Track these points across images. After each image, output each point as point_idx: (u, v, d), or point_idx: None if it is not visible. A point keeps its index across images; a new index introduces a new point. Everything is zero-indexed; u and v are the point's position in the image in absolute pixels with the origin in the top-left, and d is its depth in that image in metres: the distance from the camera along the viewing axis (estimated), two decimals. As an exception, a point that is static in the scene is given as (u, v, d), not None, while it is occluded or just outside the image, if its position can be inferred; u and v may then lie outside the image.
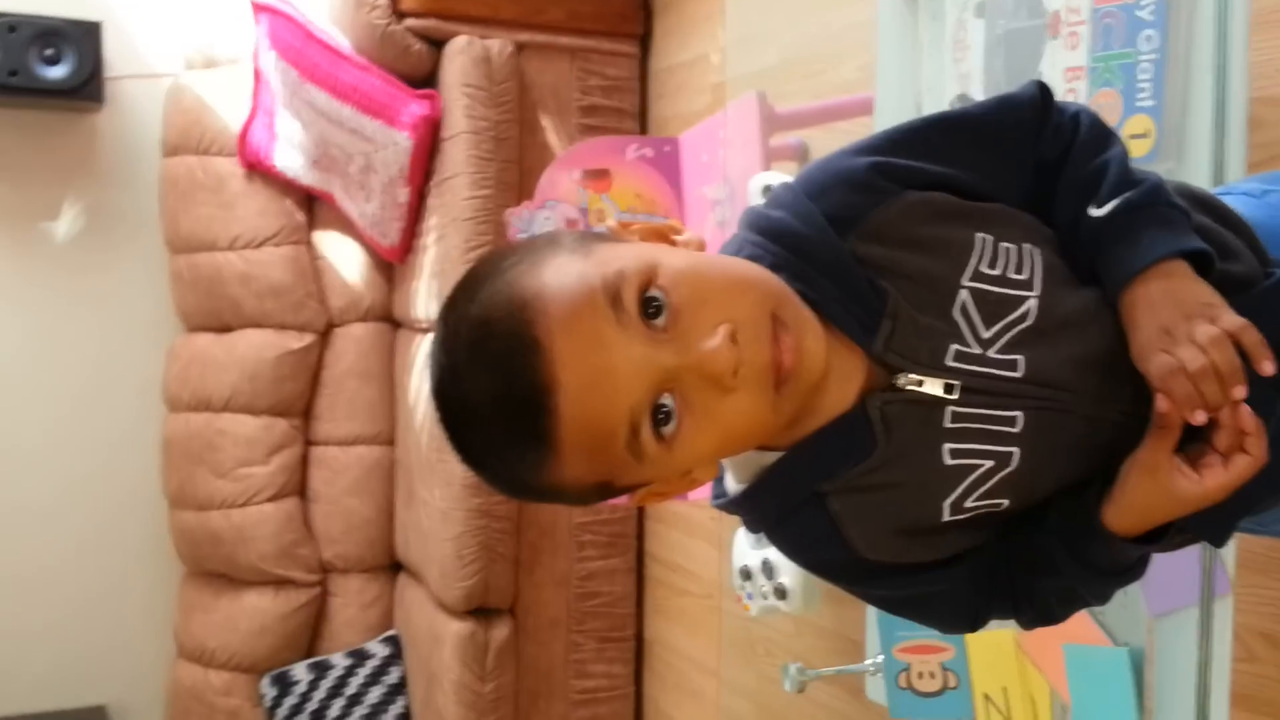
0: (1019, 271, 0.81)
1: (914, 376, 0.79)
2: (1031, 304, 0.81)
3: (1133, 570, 0.85)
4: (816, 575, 0.91)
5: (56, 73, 3.05)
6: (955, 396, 0.79)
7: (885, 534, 0.83)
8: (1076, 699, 1.40)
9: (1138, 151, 1.27)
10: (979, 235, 0.81)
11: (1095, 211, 0.81)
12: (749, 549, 1.83)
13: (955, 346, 0.80)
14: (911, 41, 1.62)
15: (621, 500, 0.82)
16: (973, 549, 0.86)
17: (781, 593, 1.75)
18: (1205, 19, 1.24)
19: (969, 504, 0.82)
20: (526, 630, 2.94)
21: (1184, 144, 1.24)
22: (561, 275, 0.73)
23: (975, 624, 0.91)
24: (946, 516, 0.82)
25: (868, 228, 0.80)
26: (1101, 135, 0.86)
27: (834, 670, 1.65)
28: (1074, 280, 0.83)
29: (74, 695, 3.24)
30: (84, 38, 3.06)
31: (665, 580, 3.03)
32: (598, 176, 2.21)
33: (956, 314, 0.80)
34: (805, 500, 0.82)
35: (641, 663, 3.12)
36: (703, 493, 0.90)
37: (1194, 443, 0.79)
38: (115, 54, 3.18)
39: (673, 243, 0.81)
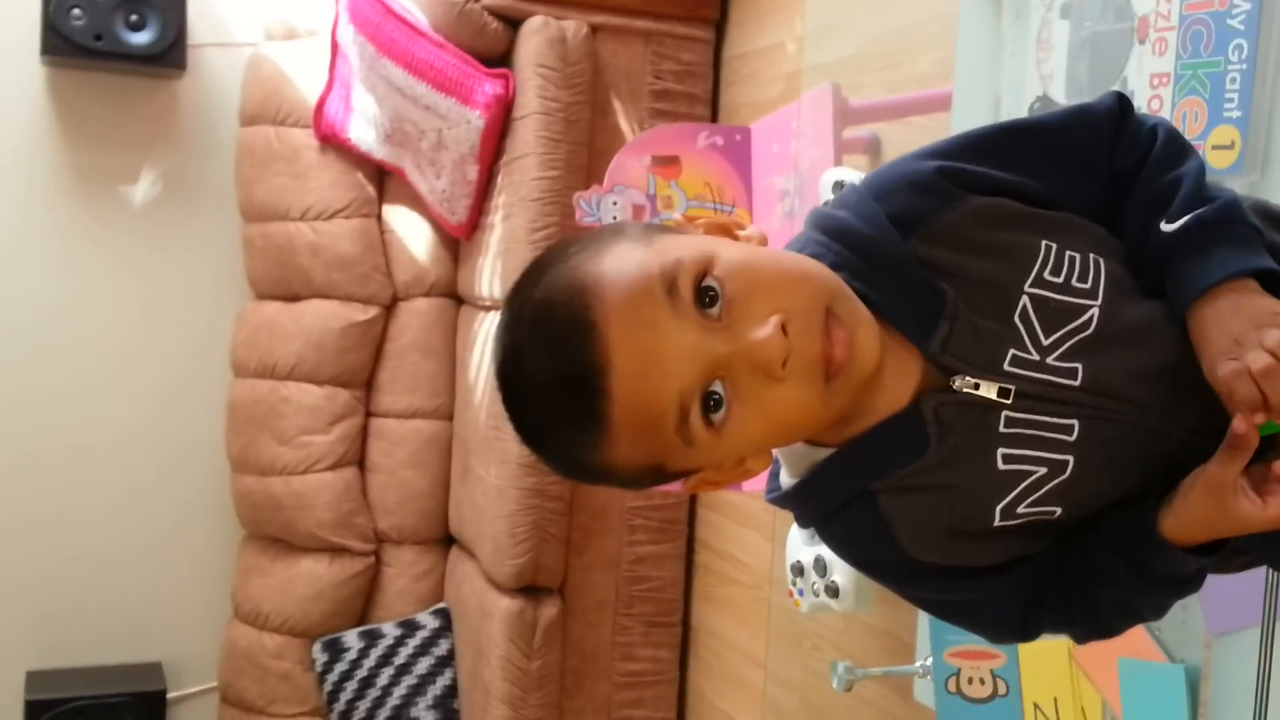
0: (1082, 280, 0.81)
1: (969, 379, 0.79)
2: (1093, 313, 0.81)
3: (1190, 582, 0.84)
4: (863, 572, 0.92)
5: (141, 39, 3.10)
6: (1010, 401, 0.80)
7: (934, 534, 0.83)
8: (1129, 714, 1.38)
9: (1221, 163, 1.24)
10: (1044, 242, 0.82)
11: (1166, 226, 0.81)
12: (803, 545, 1.82)
13: (1013, 351, 0.80)
14: (993, 39, 1.60)
15: (675, 487, 0.83)
16: (1024, 558, 0.86)
17: (834, 591, 1.74)
18: (1298, 29, 1.21)
19: (1021, 510, 0.82)
20: (574, 611, 2.96)
21: (1269, 157, 1.22)
22: (621, 262, 0.75)
23: (1025, 634, 0.91)
24: (997, 521, 0.83)
25: (931, 230, 0.81)
26: (1177, 149, 0.85)
27: (882, 671, 1.64)
28: (1139, 293, 0.83)
29: (130, 651, 3.31)
30: (169, 5, 3.10)
31: (715, 568, 3.03)
32: (667, 163, 2.21)
33: (1016, 319, 0.81)
34: (856, 497, 0.83)
35: (687, 649, 3.13)
36: (756, 484, 0.91)
37: (1264, 463, 0.78)
38: (199, 21, 3.22)
39: (735, 237, 0.83)
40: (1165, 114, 1.32)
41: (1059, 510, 0.83)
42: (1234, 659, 1.28)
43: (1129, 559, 0.82)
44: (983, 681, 1.52)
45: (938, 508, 0.83)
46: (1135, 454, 0.82)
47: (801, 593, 1.80)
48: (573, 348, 0.73)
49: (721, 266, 0.75)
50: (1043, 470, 0.81)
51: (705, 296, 0.74)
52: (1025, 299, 0.81)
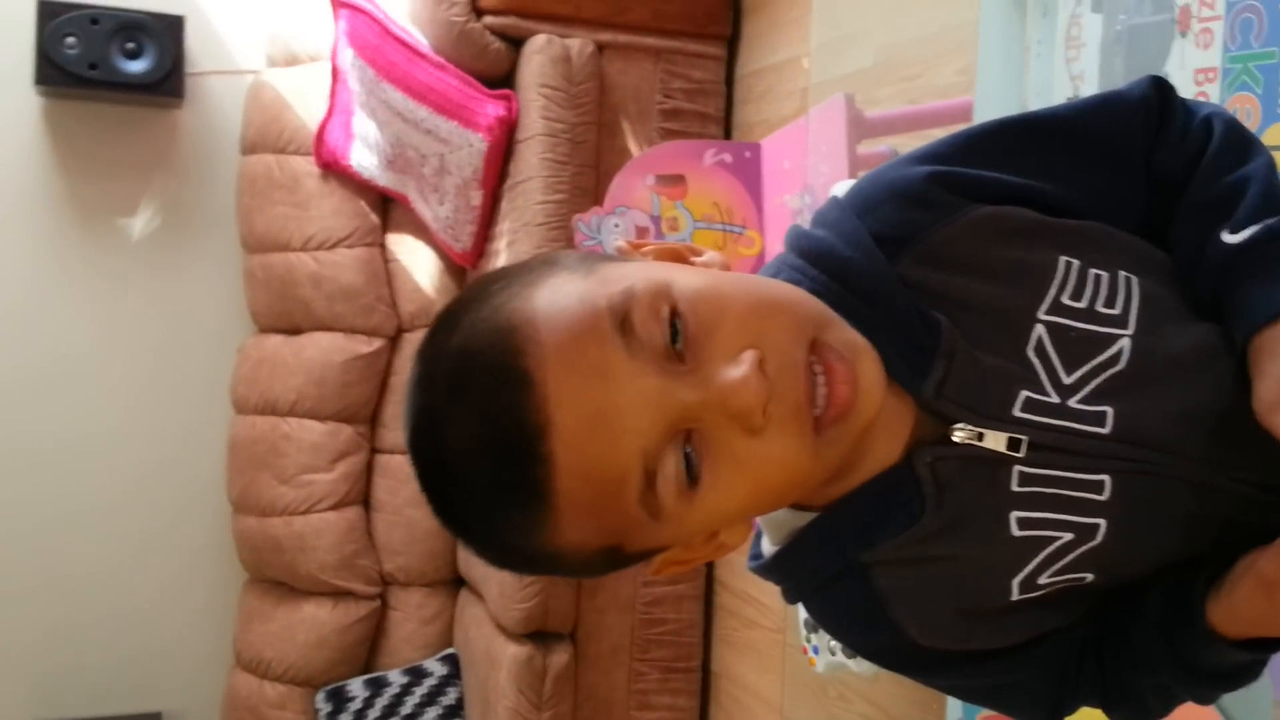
0: (1110, 305, 0.68)
1: (971, 429, 0.66)
2: (1124, 344, 0.67)
3: (1242, 675, 0.70)
4: (864, 656, 0.77)
5: (137, 67, 3.02)
6: (1022, 454, 0.66)
7: (941, 616, 0.70)
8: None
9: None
10: (1062, 259, 0.68)
11: (1230, 237, 0.67)
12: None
13: (1026, 394, 0.66)
14: (1017, 38, 1.47)
15: (649, 569, 0.69)
16: (1052, 631, 0.72)
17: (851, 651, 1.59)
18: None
19: (1043, 580, 0.69)
20: (587, 657, 2.81)
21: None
22: (558, 296, 0.61)
23: (1057, 715, 0.76)
24: (1016, 595, 0.69)
25: (924, 249, 0.68)
26: (1240, 144, 0.71)
27: (907, 735, 1.48)
28: (1185, 315, 0.69)
29: (130, 701, 3.19)
30: (166, 32, 3.03)
31: (736, 610, 2.88)
32: (673, 182, 2.09)
33: (1030, 354, 0.67)
34: (844, 571, 0.70)
35: (708, 696, 2.97)
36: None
37: None
38: (197, 49, 3.14)
39: (690, 264, 0.69)
40: (1214, 111, 1.18)
41: (1091, 576, 0.69)
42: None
43: (1173, 649, 0.68)
44: (1019, 749, 1.36)
45: (942, 583, 0.69)
46: (1182, 514, 0.68)
47: (817, 650, 1.65)
48: (502, 405, 0.59)
49: (682, 296, 0.61)
50: (1068, 536, 0.67)
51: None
52: (1040, 329, 0.67)
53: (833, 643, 1.61)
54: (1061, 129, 0.72)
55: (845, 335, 0.64)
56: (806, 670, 2.32)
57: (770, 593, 2.65)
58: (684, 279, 0.63)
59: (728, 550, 0.68)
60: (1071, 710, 0.76)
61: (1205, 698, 0.73)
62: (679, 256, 0.70)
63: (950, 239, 0.68)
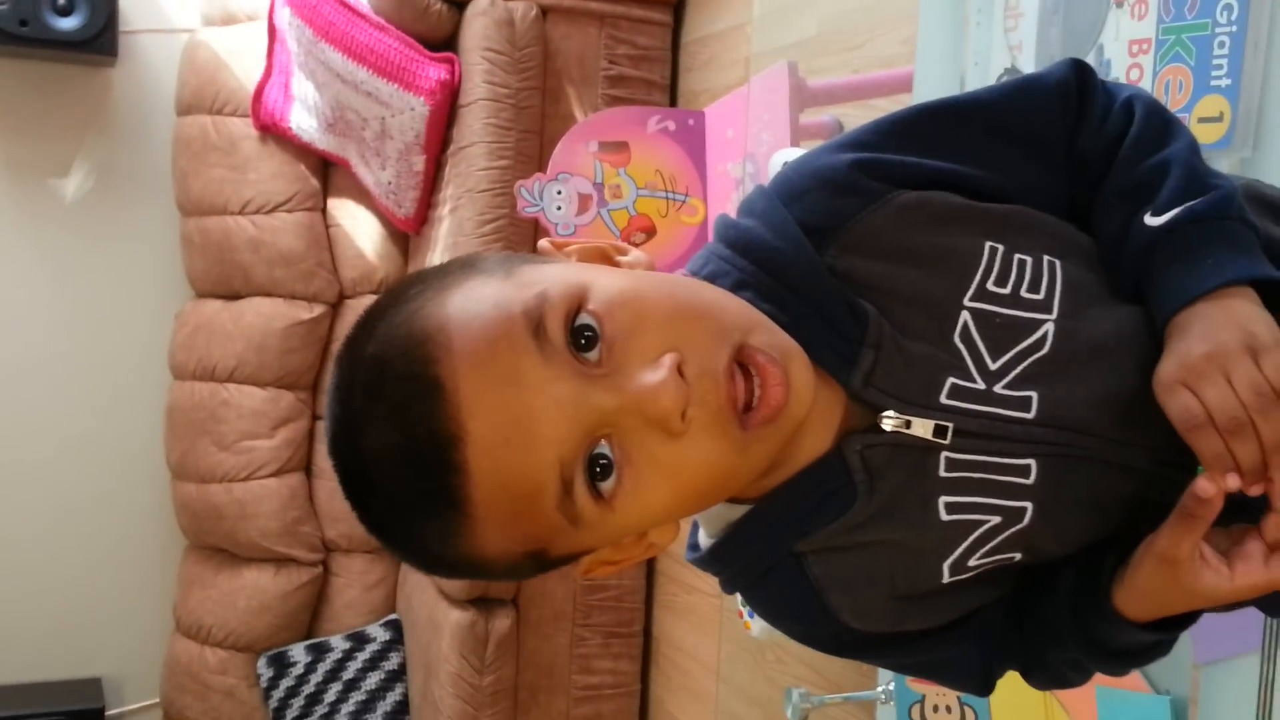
0: (1034, 289, 0.68)
1: (900, 416, 0.66)
2: (1048, 329, 0.68)
3: (1150, 653, 0.71)
4: (804, 644, 0.78)
5: (69, 24, 2.94)
6: (948, 441, 0.66)
7: (875, 601, 0.70)
8: (1109, 746, 1.26)
9: (1209, 138, 1.12)
10: (987, 244, 0.68)
11: (1152, 220, 0.68)
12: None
13: (953, 380, 0.67)
14: (958, 11, 1.48)
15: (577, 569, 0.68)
16: (981, 607, 0.73)
17: (787, 610, 1.61)
18: (1294, -13, 1.08)
19: (973, 562, 0.70)
20: (529, 622, 2.82)
21: (1262, 130, 1.09)
22: (472, 302, 0.60)
23: (987, 686, 0.78)
24: (946, 578, 0.70)
25: (850, 238, 0.68)
26: (1161, 127, 0.71)
27: (841, 697, 1.51)
28: (1107, 299, 0.70)
29: (69, 666, 3.17)
30: (98, -11, 2.95)
31: (676, 576, 2.90)
32: (616, 149, 2.08)
33: (956, 340, 0.67)
34: (780, 561, 0.70)
35: (648, 660, 3.00)
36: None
37: (1236, 515, 0.64)
38: (131, 6, 3.07)
39: (616, 264, 0.69)
40: (1146, 84, 1.19)
41: (1019, 555, 0.70)
42: (1224, 688, 1.16)
43: (1082, 628, 0.69)
44: (949, 709, 1.39)
45: (875, 569, 0.70)
46: (1106, 495, 0.69)
47: (752, 614, 1.67)
48: (415, 415, 0.58)
49: (598, 298, 0.61)
50: (996, 519, 0.68)
51: (580, 338, 0.60)
52: (966, 315, 0.67)
53: (769, 607, 1.63)
54: (981, 113, 0.72)
55: (776, 337, 0.64)
56: (744, 634, 2.34)
57: (711, 558, 2.68)
58: (603, 281, 0.62)
59: (658, 550, 0.68)
60: (998, 678, 0.78)
61: (1116, 672, 0.75)
62: (604, 256, 0.69)
63: (875, 227, 0.68)
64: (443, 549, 0.62)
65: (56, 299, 3.17)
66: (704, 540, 0.74)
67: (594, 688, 2.89)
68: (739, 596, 1.76)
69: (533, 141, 2.71)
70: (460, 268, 0.64)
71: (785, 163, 1.63)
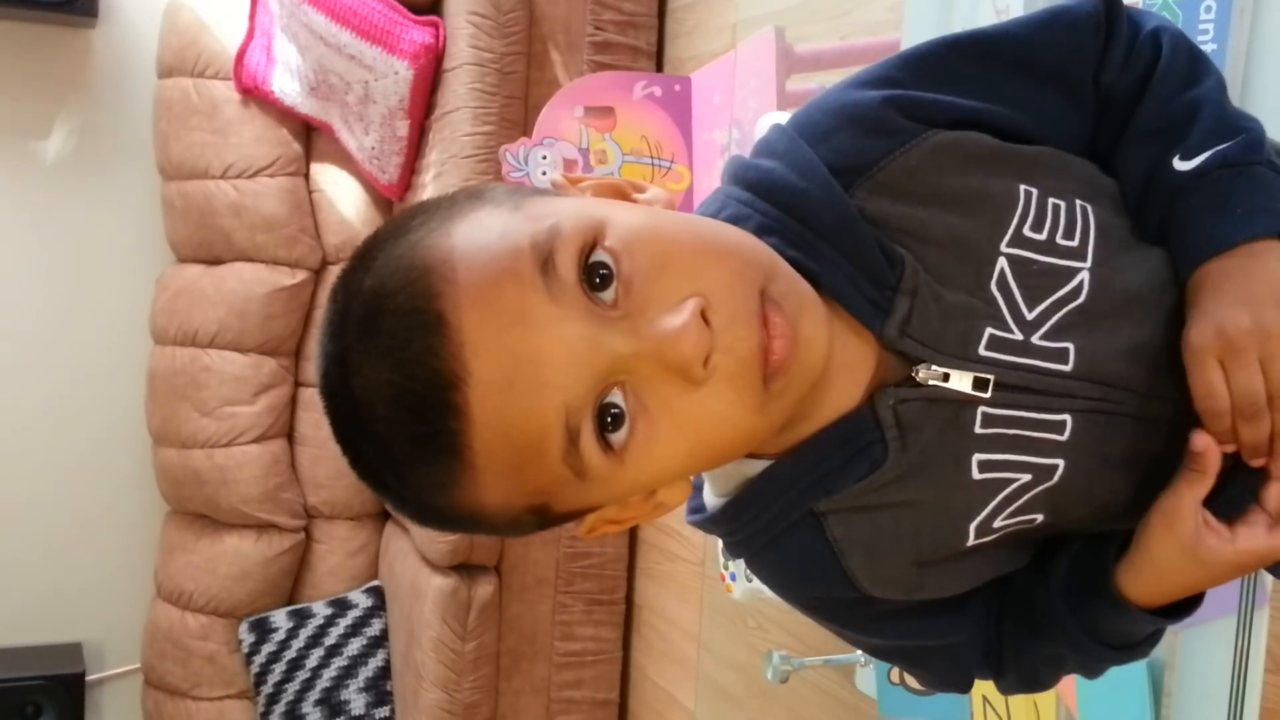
0: (1069, 236, 0.65)
1: (936, 369, 0.63)
2: (1084, 277, 0.64)
3: (1140, 646, 0.70)
4: (810, 615, 0.74)
5: (48, -16, 2.91)
6: (988, 395, 0.63)
7: (896, 565, 0.67)
8: (1085, 710, 1.27)
9: (1193, 102, 1.11)
10: (1022, 188, 0.65)
11: (1181, 164, 0.65)
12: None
13: (990, 331, 0.63)
14: (946, -26, 1.47)
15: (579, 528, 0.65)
16: (984, 590, 0.71)
17: (769, 574, 1.61)
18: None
19: (998, 524, 0.66)
20: (512, 589, 2.83)
21: (1250, 94, 1.09)
22: (479, 233, 0.56)
23: (968, 685, 0.75)
24: (971, 540, 0.66)
25: (881, 179, 0.64)
26: (1191, 63, 0.68)
27: (820, 660, 1.52)
28: (1135, 244, 0.66)
29: (50, 631, 3.16)
30: (78, -53, 2.92)
31: (658, 544, 2.91)
32: (602, 114, 2.06)
33: (994, 288, 0.63)
34: (798, 522, 0.66)
35: (630, 628, 3.01)
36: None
37: (1240, 486, 0.63)
38: (111, -33, 3.03)
39: (631, 200, 0.65)
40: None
41: (1040, 517, 0.68)
42: (1202, 651, 1.17)
43: (1078, 614, 0.67)
44: (929, 673, 1.40)
45: (900, 532, 0.66)
46: (1136, 452, 0.66)
47: (734, 577, 1.67)
48: (415, 352, 0.55)
49: (615, 235, 0.57)
50: (1027, 477, 0.65)
51: (595, 276, 0.56)
52: (1003, 261, 0.64)
53: (749, 569, 1.63)
54: (1009, 47, 0.68)
55: (792, 287, 0.60)
56: (726, 601, 2.35)
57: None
58: (621, 217, 0.58)
59: (666, 510, 0.65)
60: (978, 675, 0.76)
61: (1096, 669, 0.72)
62: (620, 192, 0.65)
63: (908, 168, 0.64)
64: (439, 499, 0.58)
65: (36, 263, 3.14)
66: (711, 500, 0.70)
67: (576, 654, 2.90)
68: (720, 559, 1.76)
69: (517, 107, 2.69)
70: (467, 198, 0.60)
71: (775, 125, 1.63)
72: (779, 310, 0.58)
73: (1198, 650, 1.18)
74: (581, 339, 0.55)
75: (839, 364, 0.63)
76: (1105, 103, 0.69)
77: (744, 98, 1.92)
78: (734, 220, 0.65)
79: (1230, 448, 0.61)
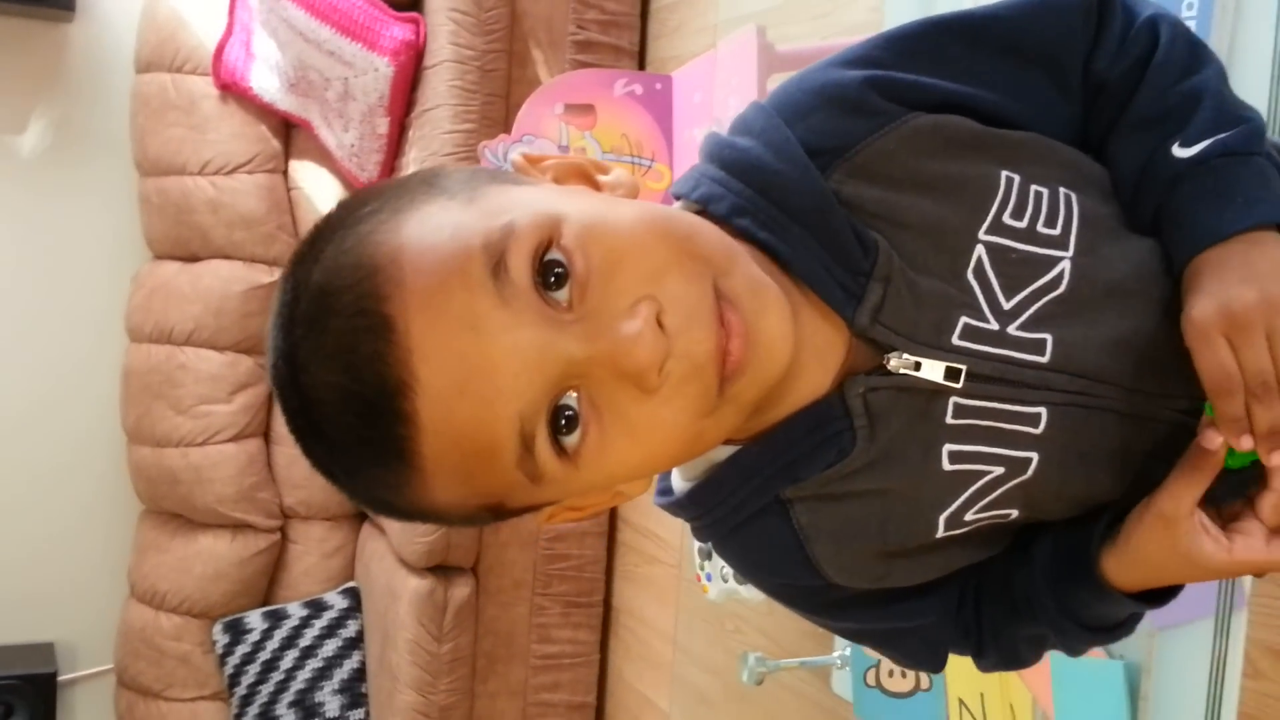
0: (1051, 225, 0.64)
1: (908, 357, 0.61)
2: (1064, 266, 0.63)
3: (1120, 629, 0.69)
4: (774, 599, 0.73)
5: (24, -23, 2.88)
6: (960, 385, 0.62)
7: (862, 554, 0.66)
8: (1062, 711, 1.26)
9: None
10: (1004, 174, 0.63)
11: (1180, 151, 0.63)
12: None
13: (965, 320, 0.62)
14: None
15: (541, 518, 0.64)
16: (954, 575, 0.70)
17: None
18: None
19: (969, 516, 0.66)
20: (489, 591, 2.81)
21: (1231, 66, 1.07)
22: (429, 230, 0.55)
23: (941, 663, 0.75)
24: (941, 532, 0.66)
25: (859, 161, 0.63)
26: (1190, 51, 0.66)
27: (796, 662, 1.51)
28: (1121, 234, 0.65)
29: (21, 630, 3.12)
30: (55, -60, 2.89)
31: (636, 546, 2.89)
32: (582, 112, 2.05)
33: (970, 277, 0.62)
34: (764, 508, 0.65)
35: (608, 630, 2.99)
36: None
37: (1234, 493, 0.61)
38: (89, -39, 3.00)
39: (596, 185, 0.63)
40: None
41: (1015, 512, 0.66)
42: (1178, 653, 1.16)
43: (1059, 598, 0.66)
44: (904, 675, 1.39)
45: (866, 521, 0.65)
46: (1112, 448, 0.65)
47: (710, 578, 1.66)
48: (362, 357, 0.53)
49: (570, 233, 0.55)
50: (999, 470, 0.64)
51: (550, 275, 0.54)
52: (980, 249, 0.63)
53: (724, 569, 1.62)
54: (997, 30, 0.66)
55: (749, 281, 0.58)
56: (703, 603, 2.34)
57: (672, 528, 2.67)
58: (577, 211, 0.56)
59: (627, 499, 0.64)
60: (950, 653, 0.75)
61: (1077, 649, 0.71)
62: (583, 175, 0.64)
63: (886, 151, 0.63)
64: (389, 497, 0.58)
65: (10, 258, 3.11)
66: (679, 484, 0.69)
67: (553, 657, 2.88)
68: (696, 560, 1.75)
69: (498, 105, 2.68)
70: (420, 184, 0.58)
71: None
72: (734, 309, 0.56)
73: (1175, 654, 1.18)
74: (533, 346, 0.54)
75: (809, 350, 0.62)
76: (1097, 90, 0.68)
77: (725, 96, 1.91)
78: (706, 200, 0.64)
79: (1246, 442, 0.59)
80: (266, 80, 2.88)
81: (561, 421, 0.55)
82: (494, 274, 0.54)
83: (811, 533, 0.66)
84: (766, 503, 0.66)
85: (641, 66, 2.90)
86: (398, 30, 2.66)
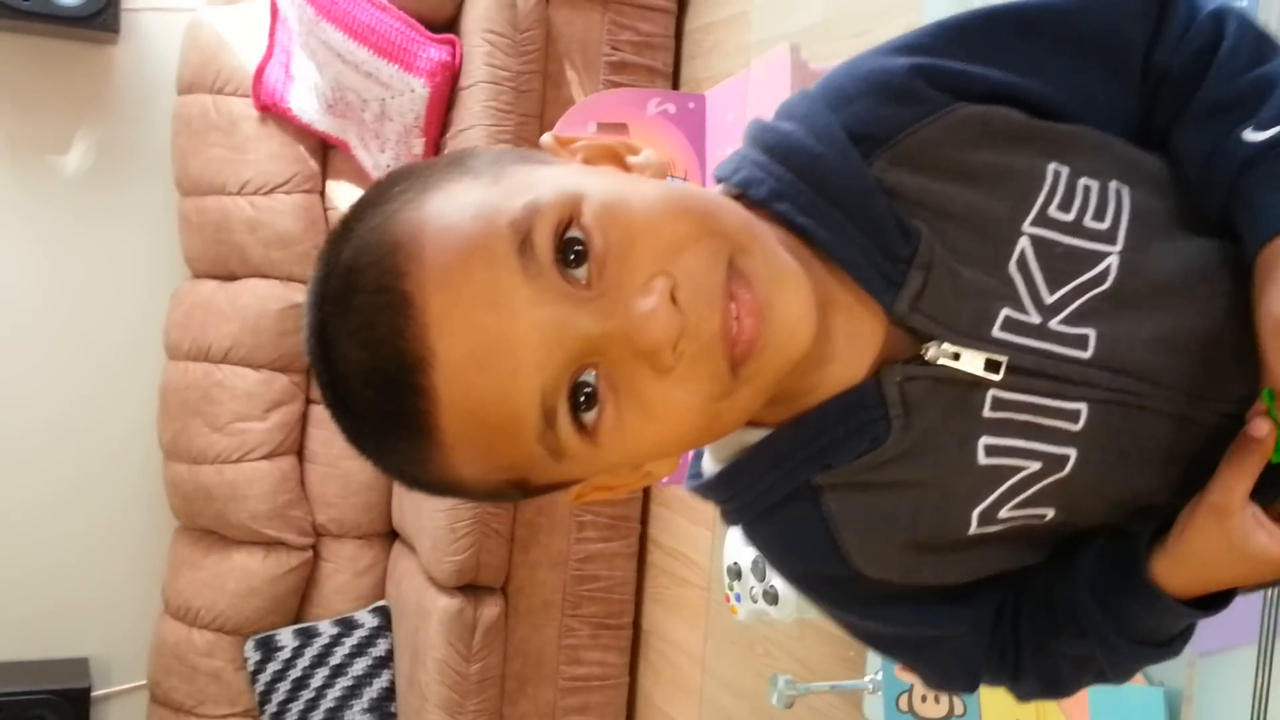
0: (1099, 218, 0.63)
1: (947, 347, 0.61)
2: (1112, 262, 0.62)
3: (1172, 644, 0.66)
4: (801, 591, 0.72)
5: (71, 0, 2.92)
6: (999, 377, 0.61)
7: (892, 545, 0.65)
8: (1098, 740, 1.23)
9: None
10: (1051, 166, 0.63)
11: (1253, 135, 0.61)
12: (741, 544, 1.66)
13: (1006, 312, 0.61)
14: (961, -9, 1.45)
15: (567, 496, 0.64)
16: (992, 580, 0.68)
17: (773, 597, 1.57)
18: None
19: (1004, 514, 0.64)
20: (518, 611, 2.80)
21: None
22: (452, 208, 0.55)
23: (973, 684, 0.72)
24: (974, 528, 0.65)
25: (902, 149, 0.62)
26: (1257, 42, 0.65)
27: (826, 686, 1.48)
28: (1174, 231, 0.64)
29: (57, 646, 3.14)
30: (101, -36, 2.93)
31: (666, 568, 2.87)
32: (615, 131, 2.05)
33: (1012, 269, 0.61)
34: (794, 494, 0.65)
35: (637, 653, 2.97)
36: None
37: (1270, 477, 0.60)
38: (134, -17, 3.05)
39: (625, 165, 0.63)
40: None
41: (1050, 513, 0.65)
42: (1219, 680, 1.14)
43: (1107, 609, 0.64)
44: (938, 700, 1.37)
45: (898, 512, 0.64)
46: (1154, 449, 0.64)
47: (739, 598, 1.64)
48: (382, 333, 0.54)
49: (590, 210, 0.55)
50: (1036, 466, 0.63)
51: (570, 252, 0.55)
52: (1024, 241, 0.62)
53: (754, 590, 1.60)
54: (1054, 24, 0.66)
55: (765, 259, 0.57)
56: (733, 626, 2.32)
57: (702, 550, 2.65)
58: (597, 190, 0.56)
59: (656, 479, 0.64)
60: (986, 674, 0.73)
61: (1123, 670, 0.69)
62: (613, 156, 0.63)
63: (931, 140, 0.62)
64: (415, 470, 0.59)
65: (53, 276, 3.15)
66: (709, 466, 0.69)
67: (582, 679, 2.86)
68: (725, 580, 1.73)
69: (533, 125, 2.69)
70: (447, 165, 0.59)
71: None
72: (746, 285, 0.56)
73: (1216, 681, 1.15)
74: (554, 322, 0.54)
75: (844, 336, 0.62)
76: (1159, 81, 0.67)
77: (758, 115, 1.90)
78: (746, 183, 0.64)
79: None
80: (305, 101, 2.91)
81: (580, 399, 0.56)
82: (520, 251, 0.54)
83: (841, 520, 0.65)
84: (797, 488, 0.65)
85: (676, 87, 2.91)
86: (434, 51, 2.68)
